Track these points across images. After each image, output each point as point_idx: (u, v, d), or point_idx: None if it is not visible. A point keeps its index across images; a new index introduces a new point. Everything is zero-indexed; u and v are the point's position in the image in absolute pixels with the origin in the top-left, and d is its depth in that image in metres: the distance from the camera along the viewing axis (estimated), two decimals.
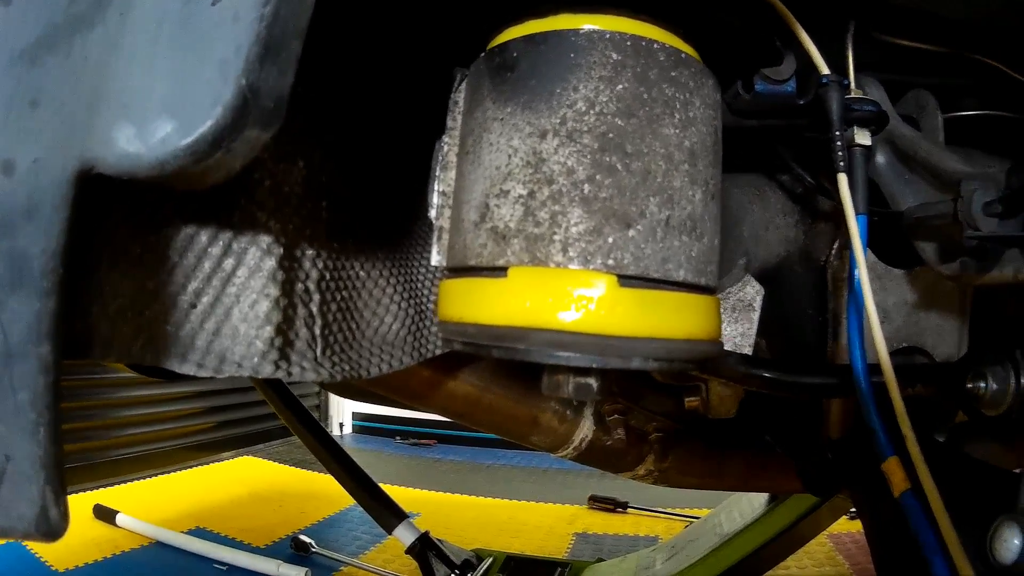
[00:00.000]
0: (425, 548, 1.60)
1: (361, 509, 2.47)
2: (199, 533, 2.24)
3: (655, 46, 0.43)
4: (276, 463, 3.28)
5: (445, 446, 3.82)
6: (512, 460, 3.50)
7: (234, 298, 0.46)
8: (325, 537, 2.24)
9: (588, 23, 0.42)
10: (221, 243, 0.46)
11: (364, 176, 0.62)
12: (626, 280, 0.38)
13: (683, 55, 0.44)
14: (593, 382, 0.44)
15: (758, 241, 0.77)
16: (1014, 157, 0.73)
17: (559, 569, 1.59)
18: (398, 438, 3.93)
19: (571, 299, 0.37)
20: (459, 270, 0.43)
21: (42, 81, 0.36)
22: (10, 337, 0.35)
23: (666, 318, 0.39)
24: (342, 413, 4.10)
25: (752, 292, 0.73)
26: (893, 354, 0.70)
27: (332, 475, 1.66)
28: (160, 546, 2.15)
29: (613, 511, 2.52)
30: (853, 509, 1.79)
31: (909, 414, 0.55)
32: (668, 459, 0.98)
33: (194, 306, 0.46)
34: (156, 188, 0.40)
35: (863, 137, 0.58)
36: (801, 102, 0.57)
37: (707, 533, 1.47)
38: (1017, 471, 0.65)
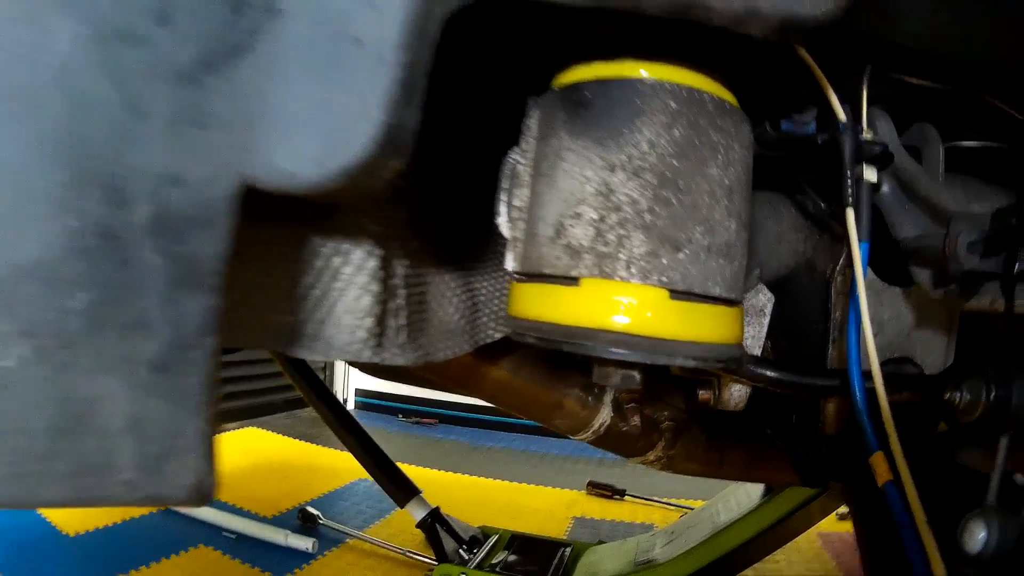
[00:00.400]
0: (435, 523, 1.71)
1: (365, 484, 2.58)
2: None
3: (705, 97, 0.52)
4: (280, 435, 3.38)
5: (446, 426, 3.93)
6: (512, 443, 3.60)
7: (340, 292, 0.56)
8: (330, 510, 2.33)
9: (651, 73, 0.51)
10: (331, 243, 0.56)
11: (429, 182, 0.72)
12: (675, 294, 0.48)
13: (727, 104, 0.54)
14: (637, 374, 0.54)
15: (771, 253, 0.87)
16: (1010, 187, 0.83)
17: (562, 549, 1.69)
18: (400, 416, 4.04)
19: (632, 308, 0.48)
20: (534, 276, 0.53)
21: (205, 102, 0.41)
22: (183, 330, 0.41)
23: (705, 326, 0.50)
24: (346, 388, 4.19)
25: (764, 299, 0.83)
26: (885, 363, 0.81)
27: (348, 449, 1.75)
28: (169, 513, 2.25)
29: (611, 498, 2.63)
30: (842, 510, 1.91)
31: (897, 417, 0.65)
32: (676, 446, 1.09)
33: (305, 298, 0.56)
34: (292, 199, 0.49)
35: (871, 174, 0.68)
36: (819, 141, 0.67)
37: (704, 521, 1.58)
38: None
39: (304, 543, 2.07)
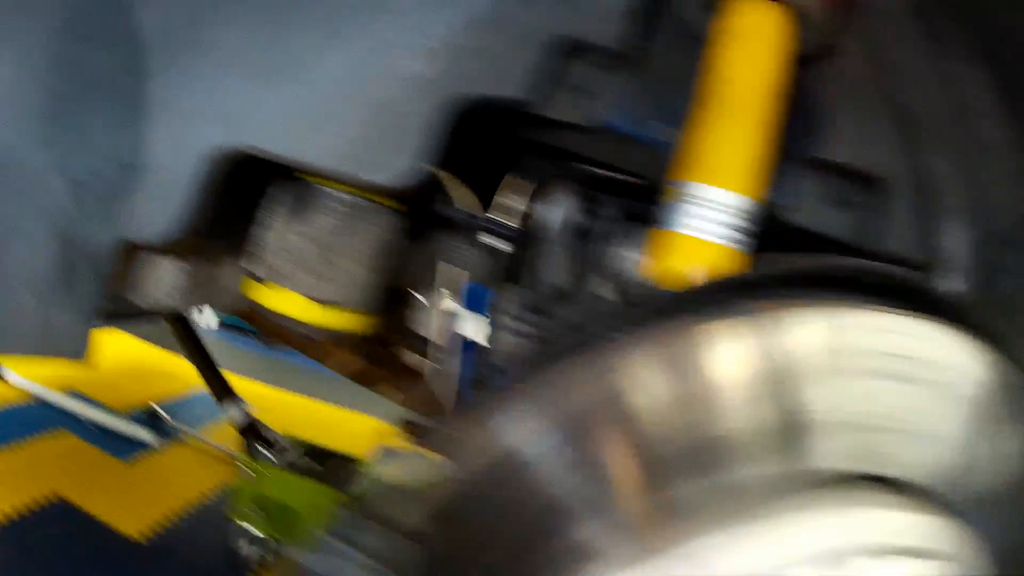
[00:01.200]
0: (250, 428, 2.26)
1: (206, 393, 3.07)
2: (73, 395, 2.78)
3: (360, 201, 1.07)
4: (141, 340, 3.78)
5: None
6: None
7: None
8: (175, 411, 2.84)
9: (329, 184, 1.05)
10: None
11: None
12: (315, 300, 1.05)
13: (377, 205, 1.08)
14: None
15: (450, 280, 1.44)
16: None
17: (350, 461, 2.25)
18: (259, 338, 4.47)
19: (296, 305, 1.04)
20: (262, 280, 1.08)
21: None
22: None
23: (329, 316, 1.06)
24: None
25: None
26: None
27: (186, 357, 2.26)
28: (42, 404, 2.70)
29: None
30: None
31: None
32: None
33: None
34: None
35: (491, 241, 1.25)
36: (454, 221, 1.23)
37: None
38: None
39: (149, 436, 2.61)
